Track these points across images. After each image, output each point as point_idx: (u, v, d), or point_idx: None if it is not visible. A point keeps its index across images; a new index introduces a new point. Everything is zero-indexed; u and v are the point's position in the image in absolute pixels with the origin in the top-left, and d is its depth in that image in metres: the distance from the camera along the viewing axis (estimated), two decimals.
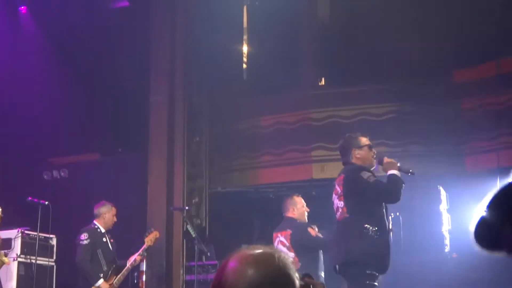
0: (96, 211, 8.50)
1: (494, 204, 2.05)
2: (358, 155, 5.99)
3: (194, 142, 11.16)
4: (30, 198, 8.09)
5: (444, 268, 9.05)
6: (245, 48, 12.36)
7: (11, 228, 8.28)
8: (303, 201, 7.87)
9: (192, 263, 8.70)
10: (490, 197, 1.87)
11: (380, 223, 5.79)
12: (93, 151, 11.35)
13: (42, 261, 8.51)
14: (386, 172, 5.90)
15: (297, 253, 7.42)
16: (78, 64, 10.66)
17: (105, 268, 8.32)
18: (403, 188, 5.78)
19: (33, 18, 11.08)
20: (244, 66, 12.38)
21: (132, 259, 8.39)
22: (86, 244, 8.21)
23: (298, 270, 1.88)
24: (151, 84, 10.88)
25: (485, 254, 1.86)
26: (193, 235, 8.54)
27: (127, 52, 10.80)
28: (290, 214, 7.84)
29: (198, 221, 10.65)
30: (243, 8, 12.27)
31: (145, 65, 10.92)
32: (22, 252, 8.40)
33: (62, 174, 10.96)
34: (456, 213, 9.57)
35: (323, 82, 12.08)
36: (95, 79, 10.71)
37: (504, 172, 9.11)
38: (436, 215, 9.82)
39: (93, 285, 8.14)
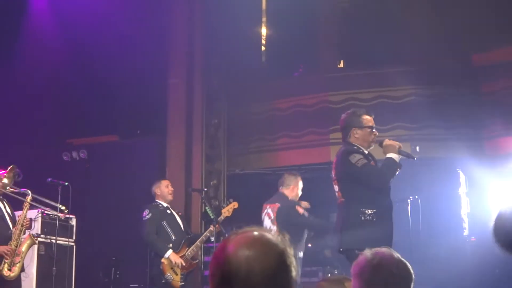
0: (152, 192, 8.56)
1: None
2: (357, 135, 5.75)
3: (212, 124, 11.17)
4: (50, 179, 8.16)
5: (462, 251, 9.01)
6: (264, 31, 12.31)
7: (32, 208, 8.36)
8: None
9: (210, 244, 8.74)
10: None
11: (379, 204, 5.54)
12: (112, 133, 11.40)
13: (62, 241, 8.58)
14: (385, 154, 5.63)
15: (280, 228, 7.37)
16: (97, 46, 10.67)
17: (173, 238, 8.12)
18: (397, 173, 5.54)
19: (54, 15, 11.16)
20: (263, 48, 12.34)
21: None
22: (148, 219, 8.13)
23: None
24: (169, 67, 10.90)
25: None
26: (212, 217, 8.55)
27: (146, 35, 10.79)
28: (285, 190, 7.92)
29: (217, 203, 10.68)
30: None
31: (163, 48, 10.92)
32: (42, 232, 8.45)
33: (81, 155, 11.03)
34: (475, 197, 9.52)
35: (342, 65, 12.01)
36: (114, 61, 10.73)
37: None
38: (455, 198, 9.77)
39: (162, 257, 7.95)
